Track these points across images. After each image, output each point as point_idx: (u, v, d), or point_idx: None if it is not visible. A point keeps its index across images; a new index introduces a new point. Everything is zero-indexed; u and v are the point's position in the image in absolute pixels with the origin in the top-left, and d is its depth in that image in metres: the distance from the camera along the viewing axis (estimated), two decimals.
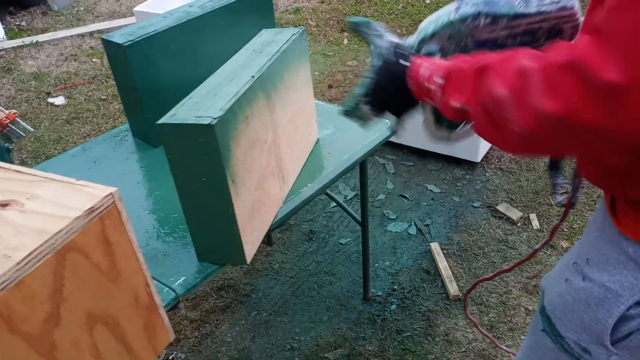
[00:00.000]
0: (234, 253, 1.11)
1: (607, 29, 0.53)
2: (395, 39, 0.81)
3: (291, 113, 1.37)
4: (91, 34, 4.40)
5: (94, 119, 3.36)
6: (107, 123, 3.30)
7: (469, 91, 0.69)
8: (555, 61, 0.57)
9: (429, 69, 0.75)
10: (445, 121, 0.84)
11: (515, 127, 0.61)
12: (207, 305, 2.15)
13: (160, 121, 1.00)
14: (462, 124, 0.85)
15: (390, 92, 0.81)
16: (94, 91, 3.68)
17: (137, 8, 4.02)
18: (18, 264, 0.67)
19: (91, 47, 4.25)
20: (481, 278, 1.12)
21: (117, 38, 1.47)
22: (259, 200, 1.19)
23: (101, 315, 0.80)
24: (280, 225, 1.36)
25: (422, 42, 0.82)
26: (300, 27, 1.43)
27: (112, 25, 4.45)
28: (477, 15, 0.77)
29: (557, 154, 0.65)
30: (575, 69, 0.55)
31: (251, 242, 1.16)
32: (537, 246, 0.99)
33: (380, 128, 1.62)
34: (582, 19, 0.80)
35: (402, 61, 0.78)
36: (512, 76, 0.61)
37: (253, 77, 1.15)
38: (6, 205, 0.80)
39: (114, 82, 3.77)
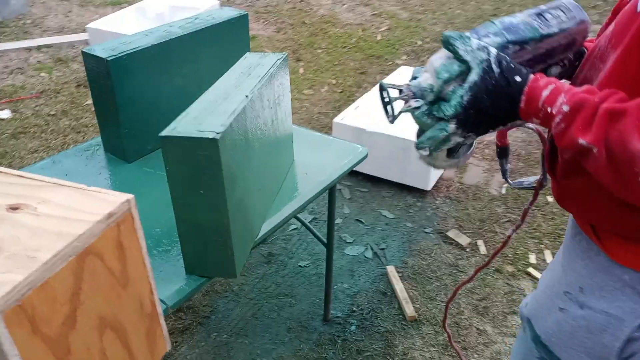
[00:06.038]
0: (226, 265, 1.14)
1: None
2: (499, 54, 0.73)
3: (275, 132, 1.42)
4: (39, 47, 4.26)
5: (42, 135, 3.24)
6: (56, 139, 3.20)
7: (597, 132, 0.64)
8: None
9: (554, 91, 0.70)
10: (455, 152, 0.84)
11: None
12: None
13: (163, 133, 1.02)
14: (464, 150, 0.86)
15: (489, 109, 0.73)
16: (42, 106, 3.56)
17: (91, 25, 3.97)
18: (45, 264, 0.68)
19: (39, 61, 4.12)
20: (461, 282, 1.18)
21: (100, 52, 1.48)
22: (247, 216, 1.22)
23: (111, 320, 0.81)
24: (263, 241, 1.39)
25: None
26: (284, 52, 1.50)
27: (62, 40, 4.34)
28: (505, 45, 0.74)
29: None
30: None
31: (240, 256, 1.19)
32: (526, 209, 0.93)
33: (353, 152, 1.70)
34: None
35: (517, 77, 0.71)
36: None
37: (247, 96, 1.20)
38: (16, 208, 0.80)
39: (64, 98, 3.68)
